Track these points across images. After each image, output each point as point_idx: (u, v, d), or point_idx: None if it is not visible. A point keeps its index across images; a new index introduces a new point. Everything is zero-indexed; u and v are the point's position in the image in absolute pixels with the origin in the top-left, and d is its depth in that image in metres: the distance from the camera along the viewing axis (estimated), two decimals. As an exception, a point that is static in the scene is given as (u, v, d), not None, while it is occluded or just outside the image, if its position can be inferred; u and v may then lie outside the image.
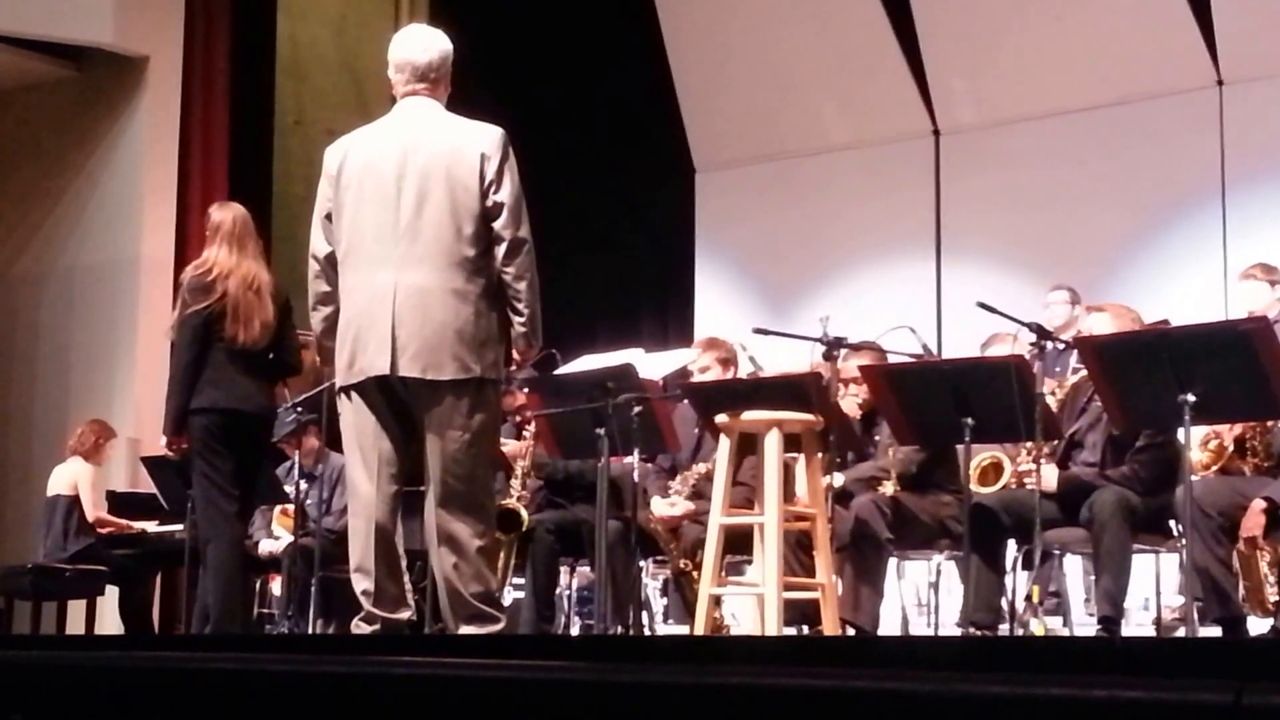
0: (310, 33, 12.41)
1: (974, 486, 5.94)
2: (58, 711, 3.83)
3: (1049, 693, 2.28)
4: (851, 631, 5.99)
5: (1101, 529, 5.68)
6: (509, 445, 7.13)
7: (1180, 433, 5.31)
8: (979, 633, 5.84)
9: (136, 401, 10.36)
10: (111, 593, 9.15)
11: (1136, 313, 6.19)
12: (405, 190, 4.83)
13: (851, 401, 6.57)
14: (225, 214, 6.24)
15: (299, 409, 7.53)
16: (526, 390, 7.01)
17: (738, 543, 6.04)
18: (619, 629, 6.57)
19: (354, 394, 4.90)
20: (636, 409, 6.17)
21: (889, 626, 6.66)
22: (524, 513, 6.88)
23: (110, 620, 9.30)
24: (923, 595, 7.42)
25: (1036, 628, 6.62)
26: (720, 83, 11.48)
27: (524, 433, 7.18)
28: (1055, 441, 5.96)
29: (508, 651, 4.31)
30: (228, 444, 6.03)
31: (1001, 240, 10.38)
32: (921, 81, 10.76)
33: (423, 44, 5.03)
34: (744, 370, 7.02)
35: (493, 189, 4.83)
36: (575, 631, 7.66)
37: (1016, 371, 5.50)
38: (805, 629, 6.13)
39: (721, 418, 5.76)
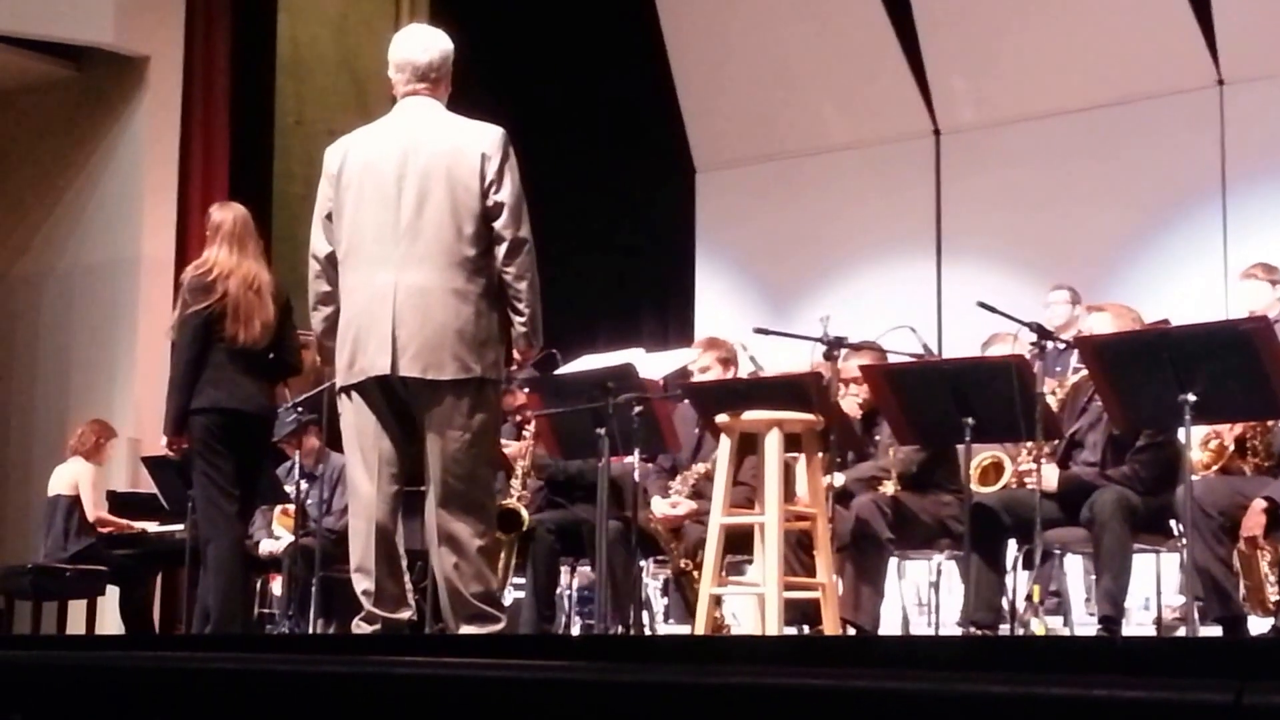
0: (311, 33, 12.41)
1: (974, 486, 5.94)
2: (58, 711, 3.83)
3: (1050, 692, 2.28)
4: (852, 631, 5.99)
5: (1102, 529, 5.68)
6: (510, 446, 7.13)
7: (1181, 432, 5.31)
8: (979, 632, 5.84)
9: (137, 401, 10.36)
10: (112, 593, 9.15)
11: (1137, 312, 6.19)
12: (406, 190, 4.83)
13: (852, 401, 6.57)
14: (226, 214, 6.24)
15: (299, 409, 7.53)
16: (527, 390, 7.01)
17: (738, 542, 6.04)
18: (619, 629, 6.57)
19: (354, 394, 4.90)
20: (637, 409, 6.17)
21: (889, 626, 6.66)
22: (524, 512, 6.88)
23: (111, 620, 9.31)
24: (923, 595, 7.42)
25: (1037, 627, 6.62)
26: (720, 82, 11.48)
27: (524, 432, 7.18)
28: (1056, 441, 5.96)
29: (508, 651, 4.31)
30: (228, 444, 6.03)
31: (1002, 240, 10.38)
32: (922, 81, 10.76)
33: (423, 44, 5.02)
34: (744, 370, 7.02)
35: (493, 189, 4.83)
36: (576, 631, 7.66)
37: (1017, 371, 5.50)
38: (806, 629, 6.13)
39: (722, 417, 5.76)
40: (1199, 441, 5.71)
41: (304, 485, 8.02)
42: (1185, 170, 9.82)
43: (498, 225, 4.83)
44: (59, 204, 11.09)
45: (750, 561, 6.16)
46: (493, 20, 11.53)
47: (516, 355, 4.99)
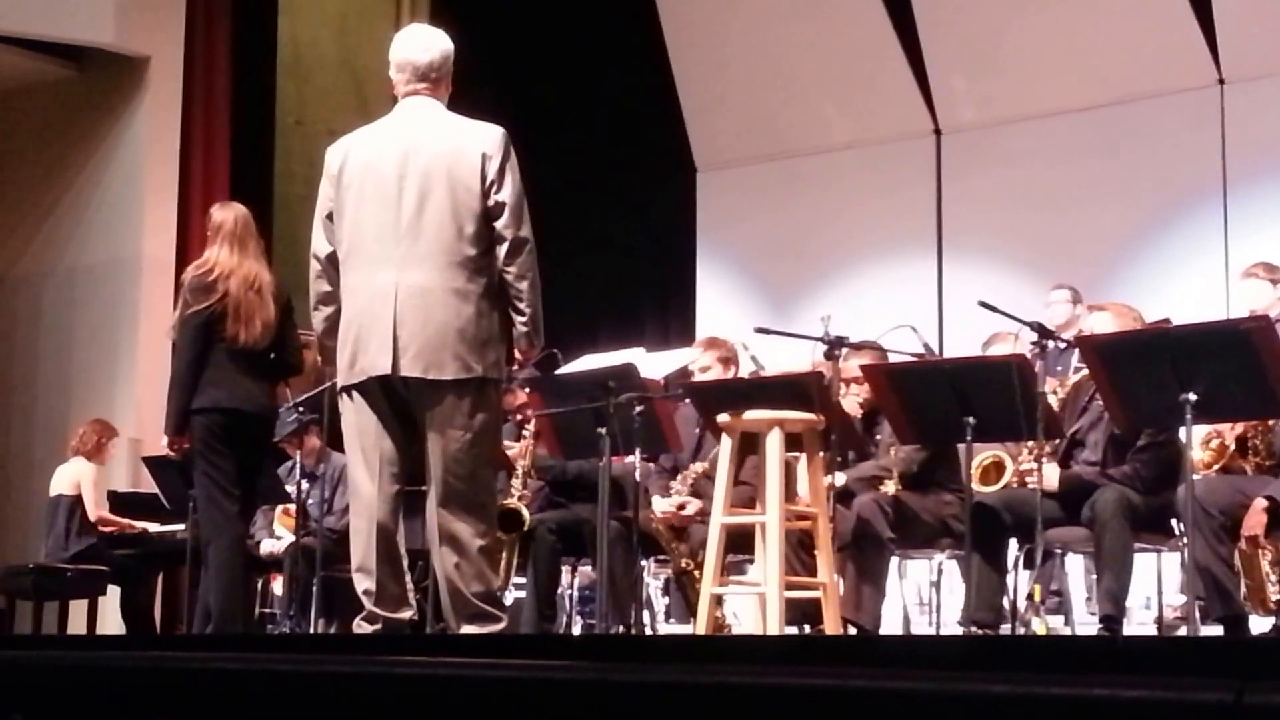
0: (311, 33, 12.41)
1: (975, 485, 5.94)
2: (59, 711, 3.83)
3: (1050, 692, 2.28)
4: (853, 631, 5.99)
5: (1103, 528, 5.68)
6: (512, 447, 7.13)
7: (1182, 432, 5.31)
8: (981, 632, 5.84)
9: (138, 401, 10.36)
10: (113, 593, 9.15)
11: (1138, 312, 6.19)
12: (406, 190, 4.83)
13: (852, 401, 6.57)
14: (226, 214, 6.24)
15: (300, 409, 7.53)
16: (528, 390, 7.01)
17: (739, 542, 6.04)
18: (620, 628, 6.57)
19: (355, 394, 4.90)
20: (638, 409, 6.17)
21: (891, 626, 6.66)
22: (525, 512, 6.88)
23: (112, 620, 9.31)
24: (924, 594, 7.42)
25: (1038, 627, 6.62)
26: (721, 82, 11.48)
27: (524, 432, 7.18)
28: (1057, 440, 5.96)
29: (509, 651, 4.31)
30: (229, 444, 6.03)
31: (1003, 239, 10.38)
32: (923, 81, 10.76)
33: (424, 44, 5.03)
34: (746, 369, 7.02)
35: (494, 188, 4.83)
36: (576, 631, 7.66)
37: (1018, 371, 5.50)
38: (807, 628, 6.13)
39: (723, 417, 5.76)
40: (1200, 441, 5.72)
41: (305, 485, 8.02)
42: (1186, 169, 9.82)
43: (499, 225, 4.83)
44: (60, 204, 11.09)
45: (751, 561, 6.16)
46: (493, 20, 11.53)
47: (518, 355, 4.99)
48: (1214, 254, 9.50)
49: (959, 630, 6.22)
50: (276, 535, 8.57)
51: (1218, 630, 5.57)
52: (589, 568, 7.28)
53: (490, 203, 4.83)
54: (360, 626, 4.91)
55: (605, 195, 11.73)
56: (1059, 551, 6.33)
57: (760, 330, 6.58)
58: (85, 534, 8.94)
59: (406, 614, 4.91)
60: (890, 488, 6.35)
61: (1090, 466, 5.97)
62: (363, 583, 4.87)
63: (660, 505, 6.73)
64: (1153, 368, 5.12)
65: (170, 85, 10.80)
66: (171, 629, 9.44)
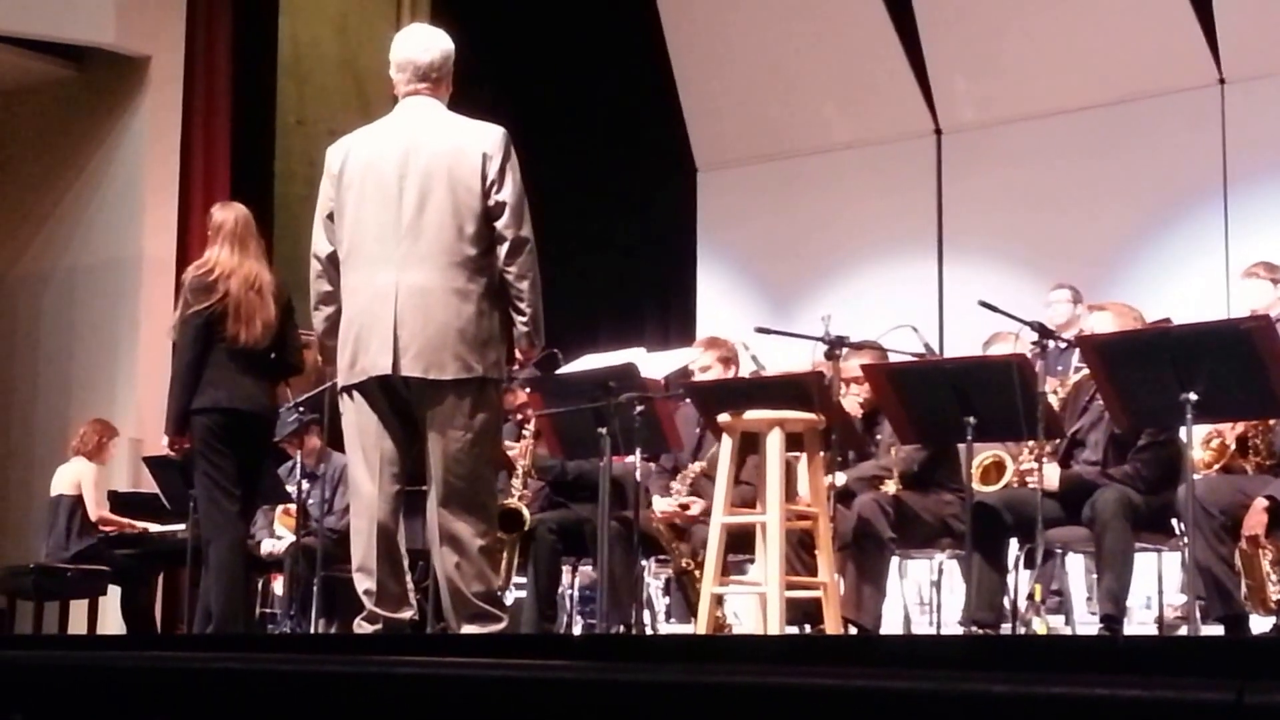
0: (312, 32, 12.41)
1: (976, 485, 5.94)
2: (60, 711, 3.83)
3: (1051, 691, 2.28)
4: (854, 630, 5.99)
5: (1103, 528, 5.68)
6: (513, 447, 7.13)
7: (1182, 431, 5.30)
8: (981, 631, 5.84)
9: (138, 401, 10.36)
10: (114, 592, 9.15)
11: (1138, 311, 6.19)
12: (407, 190, 4.83)
13: (853, 400, 6.57)
14: (227, 214, 6.24)
15: (301, 409, 7.53)
16: (528, 390, 7.01)
17: (740, 542, 6.04)
18: (621, 628, 6.57)
19: (356, 393, 4.90)
20: (638, 408, 6.17)
21: (891, 625, 6.66)
22: (526, 512, 6.88)
23: (112, 620, 9.31)
24: (925, 594, 7.42)
25: (1039, 626, 6.63)
26: (721, 82, 11.48)
27: (524, 431, 7.18)
28: (1057, 440, 5.96)
29: (510, 651, 4.31)
30: (229, 444, 6.03)
31: (1003, 239, 10.38)
32: (923, 81, 10.76)
33: (424, 43, 5.03)
34: (746, 369, 7.02)
35: (495, 188, 4.83)
36: (577, 631, 7.66)
37: (1018, 370, 5.50)
38: (807, 628, 6.13)
39: (723, 417, 5.76)
40: (1200, 440, 5.71)
41: (305, 485, 8.02)
42: (1186, 169, 9.81)
43: (499, 225, 4.83)
44: (60, 204, 11.09)
45: (752, 561, 6.16)
46: (494, 20, 11.53)
47: (518, 355, 4.99)
48: (1214, 253, 9.50)
49: (959, 630, 6.22)
50: (277, 535, 8.57)
51: (1218, 630, 5.57)
52: (589, 567, 7.28)
53: (491, 202, 4.83)
54: (361, 626, 4.91)
55: (606, 195, 11.73)
56: (1059, 551, 6.33)
57: (761, 330, 6.58)
58: (86, 534, 8.95)
59: (407, 614, 4.91)
60: (891, 487, 6.35)
61: (1091, 466, 5.97)
62: (363, 583, 4.87)
63: (660, 505, 6.73)
64: (1153, 367, 5.11)
65: (171, 85, 10.81)
66: (172, 629, 9.44)
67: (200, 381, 6.01)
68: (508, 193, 4.83)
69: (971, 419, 5.55)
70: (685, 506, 6.69)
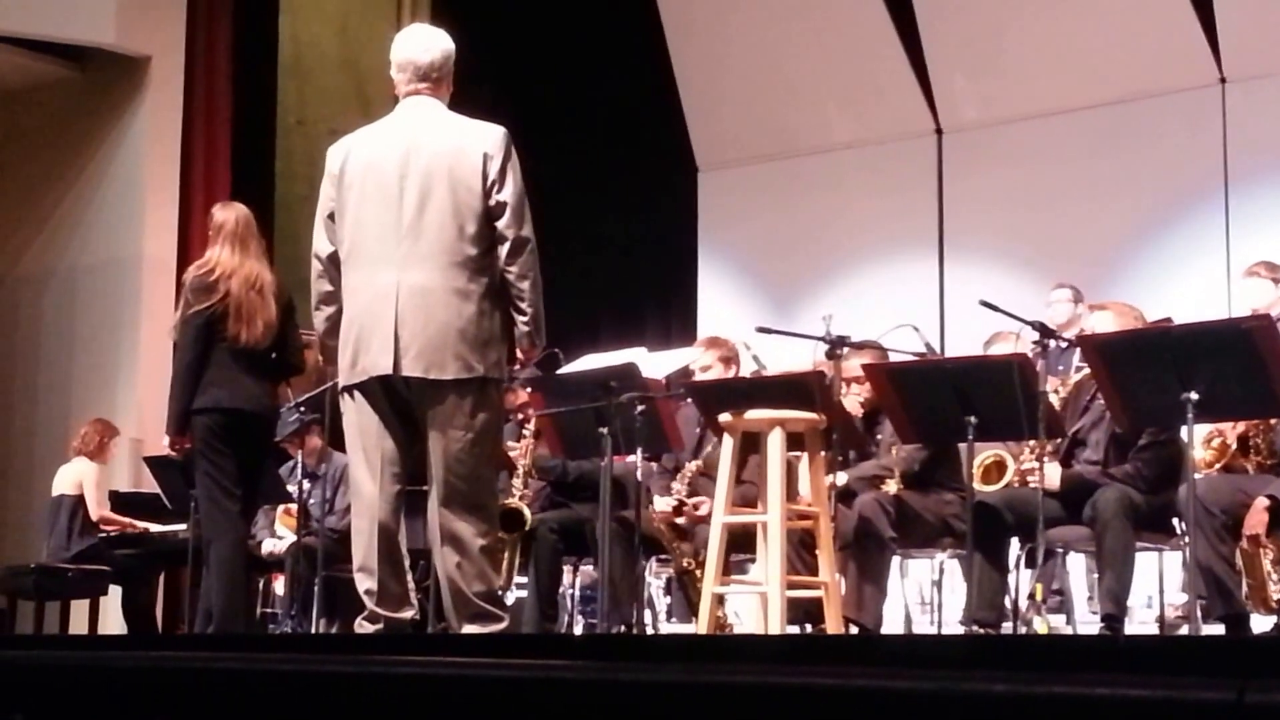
0: (312, 32, 12.41)
1: (977, 485, 5.93)
2: (61, 711, 3.83)
3: (1052, 691, 2.28)
4: (855, 630, 5.99)
5: (1104, 527, 5.68)
6: (515, 447, 7.12)
7: (1183, 431, 5.30)
8: (982, 631, 5.84)
9: (139, 401, 10.36)
10: (115, 592, 9.16)
11: (1139, 311, 6.19)
12: (408, 190, 4.84)
13: (854, 400, 6.57)
14: (228, 214, 6.24)
15: (302, 408, 7.53)
16: (529, 389, 7.01)
17: (741, 541, 6.04)
18: (621, 628, 6.57)
19: (357, 393, 4.90)
20: (639, 408, 6.17)
21: (892, 625, 6.66)
22: (527, 512, 6.88)
23: (113, 620, 9.31)
24: (926, 593, 7.42)
25: (1040, 626, 6.63)
26: (722, 82, 11.48)
27: (524, 431, 7.18)
28: (1058, 440, 5.96)
29: (511, 651, 4.31)
30: (230, 444, 6.03)
31: (1004, 239, 10.38)
32: (924, 80, 10.76)
33: (425, 43, 5.03)
34: (747, 369, 7.02)
35: (495, 188, 4.83)
36: (578, 631, 7.66)
37: (1019, 370, 5.50)
38: (808, 627, 6.13)
39: (724, 417, 5.76)
40: (1201, 440, 5.71)
41: (306, 485, 8.02)
42: (1187, 169, 9.81)
43: (500, 225, 4.83)
44: (61, 204, 11.09)
45: (753, 560, 6.16)
46: (494, 20, 11.53)
47: (519, 355, 4.99)
48: (1215, 253, 9.50)
49: (960, 629, 6.22)
50: (278, 535, 8.57)
51: (1219, 629, 5.56)
52: (590, 567, 7.27)
53: (491, 202, 4.83)
54: (362, 626, 4.91)
55: (606, 195, 11.73)
56: (1060, 550, 6.32)
57: (762, 330, 6.58)
58: (87, 534, 8.95)
59: (408, 614, 4.91)
60: (892, 487, 6.35)
61: (1092, 466, 5.97)
62: (364, 582, 4.87)
63: (660, 505, 6.73)
64: (1154, 367, 5.11)
65: (171, 85, 10.81)
66: (173, 629, 9.44)
67: (201, 381, 6.01)
68: (508, 192, 4.83)
69: (972, 418, 5.55)
70: (696, 506, 6.68)
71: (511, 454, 7.07)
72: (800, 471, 6.03)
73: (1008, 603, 5.97)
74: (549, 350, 5.79)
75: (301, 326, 6.22)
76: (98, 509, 9.03)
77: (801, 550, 6.09)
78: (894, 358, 6.25)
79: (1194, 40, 9.65)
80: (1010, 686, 2.32)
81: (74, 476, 9.07)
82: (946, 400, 5.62)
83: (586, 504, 6.90)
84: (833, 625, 5.76)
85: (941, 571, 6.62)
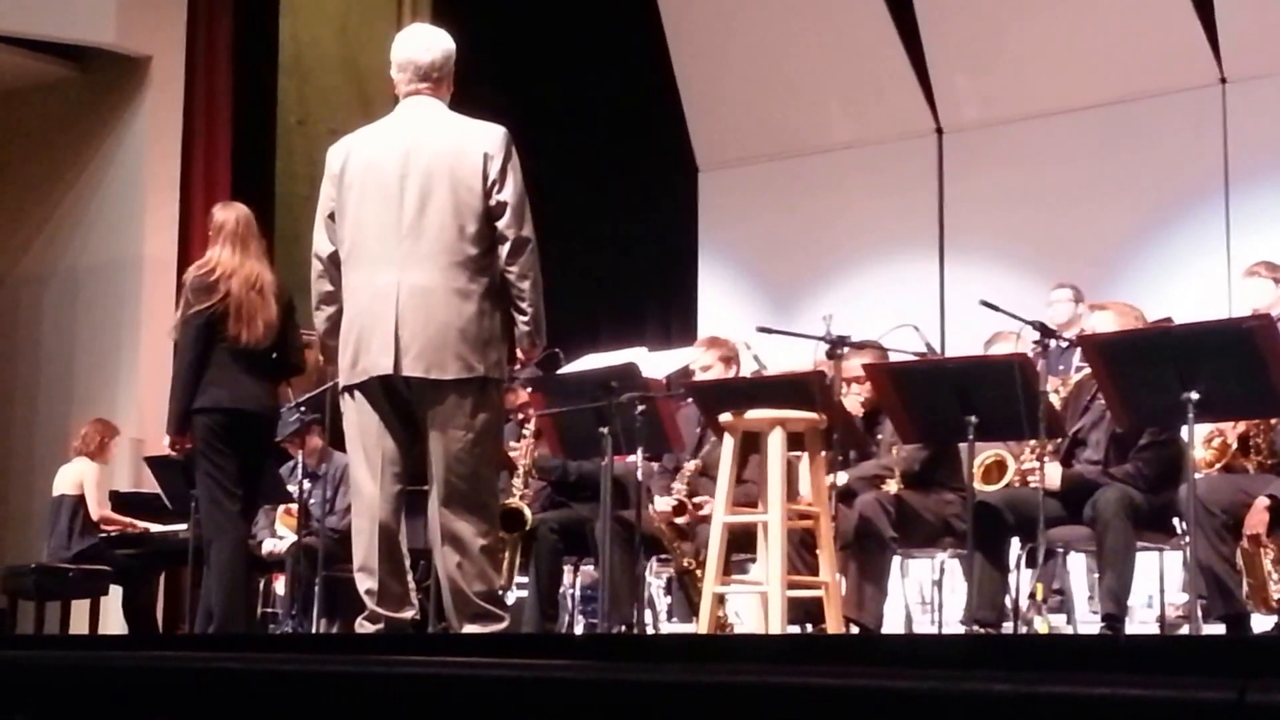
0: (313, 32, 12.41)
1: (978, 484, 5.94)
2: (61, 712, 3.83)
3: (1053, 690, 2.28)
4: (855, 630, 5.99)
5: (1105, 527, 5.68)
6: (515, 448, 7.12)
7: (1184, 430, 5.30)
8: (983, 631, 5.84)
9: (139, 401, 10.36)
10: (115, 592, 9.15)
11: (1140, 311, 6.19)
12: (408, 190, 4.83)
13: (854, 400, 6.57)
14: (228, 214, 6.24)
15: (302, 408, 7.53)
16: (530, 389, 7.01)
17: (741, 541, 6.04)
18: (622, 628, 6.57)
19: (357, 393, 4.90)
20: (640, 408, 6.17)
21: (893, 624, 6.66)
22: (528, 512, 6.88)
23: (114, 620, 9.31)
24: (926, 593, 7.42)
25: (1040, 626, 6.62)
26: (723, 81, 11.48)
27: (524, 431, 7.18)
28: (1059, 439, 5.96)
29: (511, 650, 4.31)
30: (231, 444, 6.03)
31: (1004, 238, 10.38)
32: (924, 80, 10.76)
33: (425, 43, 5.02)
34: (747, 369, 7.02)
35: (496, 188, 4.83)
36: (579, 630, 7.66)
37: (1020, 370, 5.50)
38: (809, 627, 6.13)
39: (725, 416, 5.76)
40: (1202, 439, 5.71)
41: (307, 485, 8.02)
42: (1188, 168, 9.82)
43: (500, 225, 4.83)
44: (61, 204, 11.09)
45: (753, 560, 6.16)
46: (495, 19, 11.54)
47: (519, 354, 4.99)
48: (1216, 253, 9.50)
49: (961, 629, 6.22)
50: (278, 535, 8.57)
51: (1220, 629, 5.56)
52: (591, 567, 7.27)
53: (492, 202, 4.83)
54: (362, 626, 4.91)
55: (607, 195, 11.73)
56: (1061, 550, 6.32)
57: (762, 329, 6.59)
58: (87, 534, 8.95)
59: (409, 614, 4.91)
60: (892, 487, 6.35)
61: (1092, 465, 5.97)
62: (365, 582, 4.87)
63: (660, 505, 6.73)
64: (1155, 367, 5.11)
65: (171, 85, 10.81)
66: (174, 629, 9.44)
67: (201, 381, 6.01)
68: (509, 192, 4.83)
69: (973, 418, 5.55)
70: (699, 506, 6.68)
71: (512, 454, 7.07)
72: (801, 471, 6.03)
73: (1008, 602, 5.97)
74: (549, 350, 5.78)
75: (302, 326, 6.22)
76: (98, 509, 9.03)
77: (802, 550, 6.09)
78: (894, 357, 6.25)
79: (1194, 40, 9.65)
80: (1011, 686, 2.32)
81: (74, 476, 9.07)
82: (947, 400, 5.62)
83: (587, 504, 6.90)
84: (833, 625, 5.76)
85: (942, 571, 6.61)
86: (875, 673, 2.57)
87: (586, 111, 11.81)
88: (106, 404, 10.30)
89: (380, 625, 4.85)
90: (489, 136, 4.87)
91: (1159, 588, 6.45)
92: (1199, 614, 5.38)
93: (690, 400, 6.69)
